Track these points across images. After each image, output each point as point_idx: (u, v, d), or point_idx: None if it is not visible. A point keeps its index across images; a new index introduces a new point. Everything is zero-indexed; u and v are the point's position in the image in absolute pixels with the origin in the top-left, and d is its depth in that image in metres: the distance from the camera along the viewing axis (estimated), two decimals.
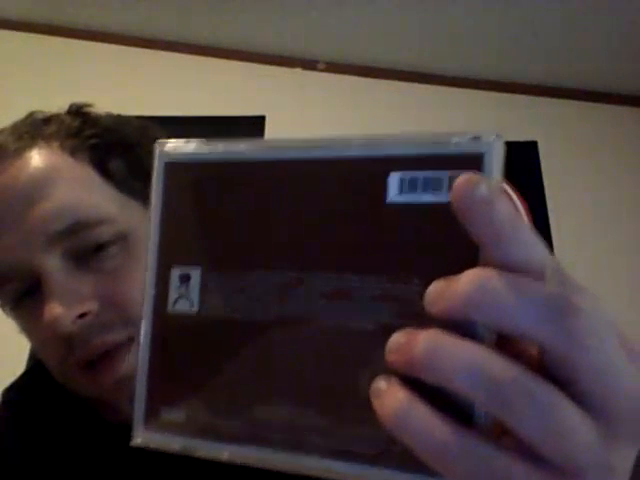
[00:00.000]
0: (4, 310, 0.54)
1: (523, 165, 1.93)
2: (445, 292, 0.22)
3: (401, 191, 0.24)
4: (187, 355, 0.28)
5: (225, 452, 0.26)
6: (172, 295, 0.28)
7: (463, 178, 0.22)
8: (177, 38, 2.07)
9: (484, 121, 1.94)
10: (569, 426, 0.21)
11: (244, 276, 0.27)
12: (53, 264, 0.48)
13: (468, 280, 0.21)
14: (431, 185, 0.23)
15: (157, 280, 0.29)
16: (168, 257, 0.29)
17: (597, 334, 0.21)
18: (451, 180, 0.22)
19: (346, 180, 0.25)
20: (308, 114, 1.97)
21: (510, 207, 0.22)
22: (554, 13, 1.79)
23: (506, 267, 0.22)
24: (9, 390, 0.60)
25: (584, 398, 0.21)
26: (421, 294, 0.23)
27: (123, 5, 1.94)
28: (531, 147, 1.96)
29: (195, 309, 0.28)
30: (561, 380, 0.21)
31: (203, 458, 0.27)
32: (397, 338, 0.23)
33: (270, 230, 0.27)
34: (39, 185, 0.50)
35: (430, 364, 0.21)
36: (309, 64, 2.08)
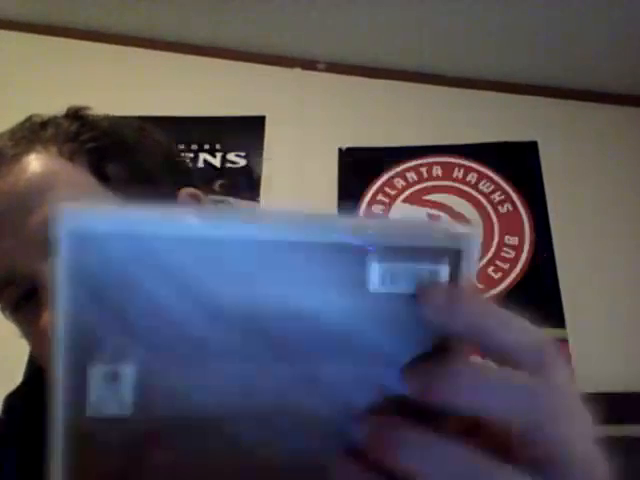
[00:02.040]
0: (4, 314, 0.54)
1: (523, 165, 1.93)
2: (425, 380, 0.23)
3: (383, 282, 0.24)
4: (118, 471, 0.24)
5: None
6: (92, 398, 0.23)
7: (429, 291, 0.23)
8: (177, 38, 2.07)
9: (484, 121, 1.94)
10: None
11: (193, 369, 0.23)
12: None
13: (447, 371, 0.23)
14: (413, 278, 0.24)
15: (71, 383, 0.23)
16: (84, 354, 0.23)
17: (567, 418, 0.23)
18: (432, 274, 0.24)
19: (322, 265, 0.23)
20: (308, 114, 1.97)
21: (479, 308, 0.23)
22: (554, 13, 1.79)
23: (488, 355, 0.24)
24: (11, 396, 0.60)
25: (544, 466, 0.23)
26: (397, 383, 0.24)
27: (123, 5, 1.94)
28: (531, 147, 1.96)
29: (127, 412, 0.23)
30: (527, 459, 0.23)
31: None
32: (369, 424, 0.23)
33: (225, 314, 0.23)
34: (37, 191, 0.50)
35: (396, 457, 0.22)
36: (309, 64, 2.08)
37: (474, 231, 0.24)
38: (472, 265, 0.24)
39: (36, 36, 2.06)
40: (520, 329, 0.24)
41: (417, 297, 0.23)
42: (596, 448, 0.24)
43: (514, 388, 0.23)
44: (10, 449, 0.55)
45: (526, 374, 0.23)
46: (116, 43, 2.07)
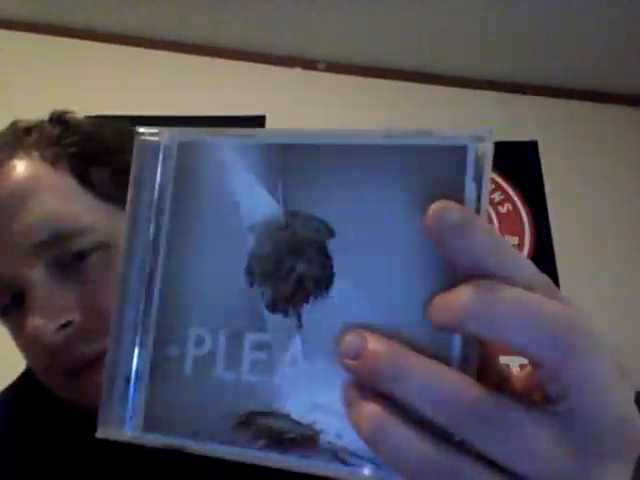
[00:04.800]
0: None
1: (523, 165, 1.93)
2: (444, 304, 0.22)
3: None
4: None
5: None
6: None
7: (435, 205, 0.22)
8: (177, 38, 2.07)
9: (484, 121, 1.94)
10: (531, 442, 0.21)
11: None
12: (35, 276, 0.48)
13: (466, 291, 0.21)
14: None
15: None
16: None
17: (594, 352, 0.21)
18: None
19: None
20: (308, 114, 1.97)
21: (485, 229, 0.22)
22: (554, 13, 1.79)
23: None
24: (6, 391, 0.60)
25: (571, 414, 0.21)
26: None
27: (123, 5, 1.94)
28: (531, 147, 1.96)
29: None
30: (551, 395, 0.22)
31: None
32: (354, 341, 0.23)
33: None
34: (19, 198, 0.50)
35: (391, 379, 0.22)
36: (309, 64, 2.08)
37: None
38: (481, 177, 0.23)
39: (36, 36, 2.06)
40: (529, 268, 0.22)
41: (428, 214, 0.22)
42: (620, 392, 0.22)
43: (545, 318, 0.21)
44: (3, 447, 0.55)
45: (560, 307, 0.21)
46: (116, 43, 2.07)
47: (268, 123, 1.97)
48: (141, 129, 0.29)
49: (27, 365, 0.68)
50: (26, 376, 0.61)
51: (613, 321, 1.73)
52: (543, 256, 1.81)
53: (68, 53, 2.05)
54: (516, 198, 1.91)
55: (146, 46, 2.07)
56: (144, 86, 2.00)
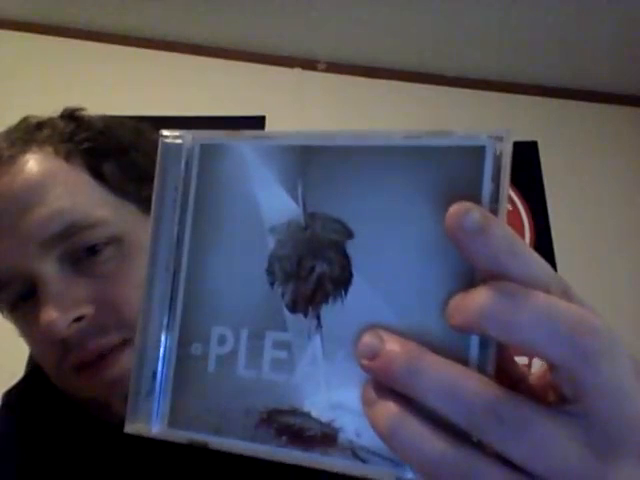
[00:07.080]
0: (2, 314, 0.54)
1: (523, 165, 1.93)
2: (461, 305, 0.22)
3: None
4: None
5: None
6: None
7: (455, 207, 0.22)
8: (177, 38, 2.07)
9: (484, 121, 1.94)
10: (547, 442, 0.21)
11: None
12: (48, 268, 0.48)
13: (483, 293, 0.21)
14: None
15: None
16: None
17: (610, 354, 0.21)
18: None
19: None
20: (308, 114, 1.97)
21: (504, 231, 0.22)
22: (554, 13, 1.79)
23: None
24: (9, 393, 0.60)
25: (587, 415, 0.21)
26: None
27: (123, 5, 1.94)
28: (531, 147, 1.96)
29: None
30: (567, 396, 0.22)
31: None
32: (371, 342, 0.23)
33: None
34: (34, 190, 0.50)
35: (407, 379, 0.22)
36: (309, 64, 2.08)
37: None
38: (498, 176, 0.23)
39: (36, 36, 2.06)
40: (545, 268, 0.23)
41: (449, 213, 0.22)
42: (638, 393, 0.21)
43: (562, 320, 0.21)
44: (8, 448, 0.55)
45: (575, 308, 0.21)
46: (116, 43, 2.07)
47: (268, 123, 1.97)
48: (164, 132, 0.30)
49: (27, 367, 0.68)
50: (28, 378, 0.61)
51: (613, 321, 1.73)
52: (543, 256, 1.80)
53: (68, 53, 2.05)
54: (516, 198, 1.91)
55: (146, 46, 2.07)
56: (144, 86, 2.00)
